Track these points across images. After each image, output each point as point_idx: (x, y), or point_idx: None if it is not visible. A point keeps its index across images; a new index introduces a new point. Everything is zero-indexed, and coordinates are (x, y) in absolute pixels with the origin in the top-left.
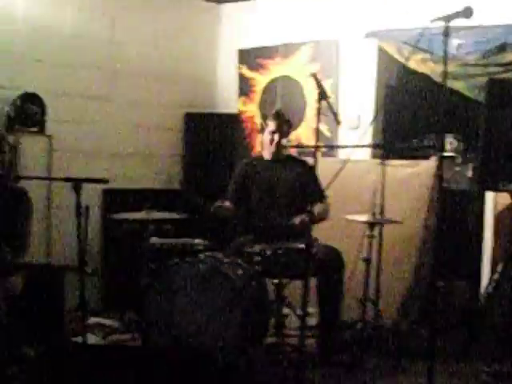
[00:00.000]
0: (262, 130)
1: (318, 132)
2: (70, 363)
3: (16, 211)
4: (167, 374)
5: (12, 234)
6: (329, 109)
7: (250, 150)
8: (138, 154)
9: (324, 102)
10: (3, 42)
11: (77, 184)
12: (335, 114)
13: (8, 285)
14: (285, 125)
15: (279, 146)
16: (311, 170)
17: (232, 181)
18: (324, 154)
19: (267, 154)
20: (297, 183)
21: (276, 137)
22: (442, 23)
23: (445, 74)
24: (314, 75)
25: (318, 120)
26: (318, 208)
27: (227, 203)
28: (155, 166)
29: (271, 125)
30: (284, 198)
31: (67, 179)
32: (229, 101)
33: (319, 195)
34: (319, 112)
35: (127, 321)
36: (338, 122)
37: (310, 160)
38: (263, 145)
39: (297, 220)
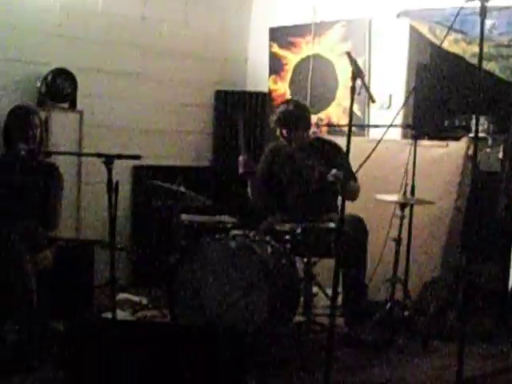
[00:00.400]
0: None
1: (351, 111)
2: (99, 338)
3: (47, 186)
4: (196, 350)
5: (43, 209)
6: (363, 87)
7: None
8: (167, 130)
9: (357, 81)
10: (36, 19)
11: (108, 160)
12: (369, 93)
13: (39, 259)
14: (292, 124)
15: (290, 140)
16: (340, 151)
17: (259, 166)
18: (354, 134)
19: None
20: (324, 168)
21: (284, 133)
22: (475, 3)
23: (481, 55)
24: (349, 53)
25: (352, 99)
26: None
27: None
28: (185, 143)
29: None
30: (312, 185)
31: (99, 155)
32: (259, 79)
33: (350, 177)
34: (353, 91)
35: (156, 297)
36: (372, 101)
37: (339, 140)
38: None
39: (330, 175)
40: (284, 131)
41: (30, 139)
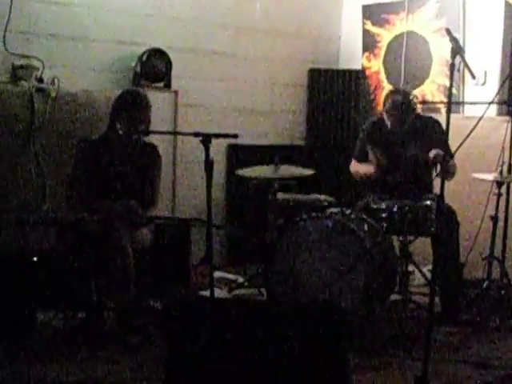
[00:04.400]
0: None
1: (451, 88)
2: (198, 317)
3: (146, 166)
4: (294, 329)
5: (142, 188)
6: (462, 63)
7: (373, 106)
8: (261, 109)
9: (456, 58)
10: (130, 0)
11: (206, 139)
12: (470, 69)
13: (138, 238)
14: (404, 113)
15: (398, 124)
16: (441, 129)
17: (358, 140)
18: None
19: (389, 123)
20: (423, 148)
21: (395, 119)
22: None
23: None
24: (448, 30)
25: (452, 76)
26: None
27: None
28: (279, 122)
29: (388, 116)
30: (409, 164)
31: (197, 134)
32: (353, 57)
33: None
34: (452, 68)
35: (252, 275)
36: (473, 77)
37: (435, 116)
38: None
39: (432, 153)
40: (395, 118)
41: (141, 121)
